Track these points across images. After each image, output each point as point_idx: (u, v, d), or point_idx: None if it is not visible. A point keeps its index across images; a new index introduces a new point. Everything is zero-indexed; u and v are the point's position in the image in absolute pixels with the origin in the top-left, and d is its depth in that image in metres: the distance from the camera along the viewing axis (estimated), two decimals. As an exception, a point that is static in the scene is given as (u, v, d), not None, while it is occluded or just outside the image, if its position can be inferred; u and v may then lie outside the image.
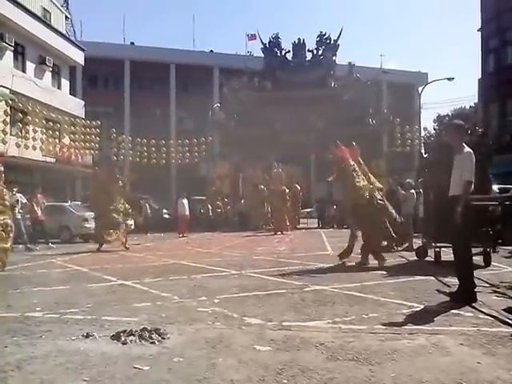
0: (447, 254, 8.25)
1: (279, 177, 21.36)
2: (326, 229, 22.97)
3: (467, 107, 47.09)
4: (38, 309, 5.52)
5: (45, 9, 28.24)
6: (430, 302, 5.51)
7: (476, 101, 37.23)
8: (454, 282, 6.04)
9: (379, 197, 9.40)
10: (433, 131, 51.78)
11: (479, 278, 6.62)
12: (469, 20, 67.53)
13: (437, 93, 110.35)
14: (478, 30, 33.00)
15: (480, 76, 32.89)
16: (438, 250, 9.05)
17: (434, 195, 9.53)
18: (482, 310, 5.07)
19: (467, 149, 5.67)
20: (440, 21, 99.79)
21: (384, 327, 4.46)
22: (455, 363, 3.48)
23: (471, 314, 4.92)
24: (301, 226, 24.53)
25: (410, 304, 5.45)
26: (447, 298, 5.63)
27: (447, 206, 5.71)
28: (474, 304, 5.27)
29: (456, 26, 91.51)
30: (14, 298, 6.32)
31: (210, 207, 24.36)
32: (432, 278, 7.27)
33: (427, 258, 9.69)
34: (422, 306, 5.34)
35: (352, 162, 9.45)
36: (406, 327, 4.46)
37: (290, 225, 21.27)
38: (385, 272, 8.06)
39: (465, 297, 5.40)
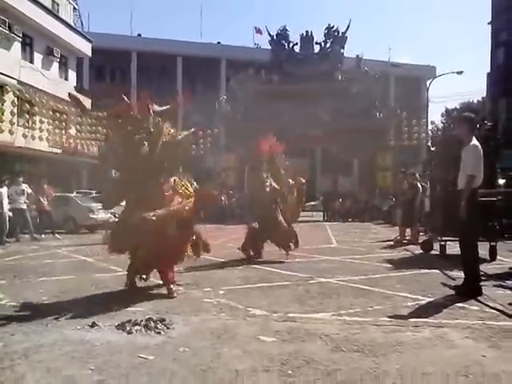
0: (453, 248, 8.23)
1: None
2: (330, 222, 22.95)
3: (475, 101, 46.64)
4: (44, 298, 5.56)
5: (53, 0, 28.17)
6: (435, 295, 5.50)
7: (484, 95, 36.96)
8: (459, 275, 6.03)
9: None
10: (440, 125, 51.36)
11: (485, 272, 6.60)
12: (480, 13, 66.79)
13: (445, 86, 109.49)
14: (489, 23, 32.73)
15: (489, 70, 32.65)
16: (444, 243, 9.02)
17: (440, 189, 9.48)
18: (488, 303, 5.06)
19: (473, 142, 5.61)
20: (452, 14, 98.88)
21: (389, 319, 4.46)
22: (460, 356, 3.48)
23: (476, 308, 4.91)
24: (306, 218, 24.47)
25: (415, 297, 5.45)
26: (452, 292, 5.61)
27: (454, 200, 5.68)
28: (479, 297, 5.26)
29: (467, 19, 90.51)
30: (20, 287, 6.35)
31: (224, 198, 24.21)
32: (437, 271, 7.25)
33: (433, 252, 9.66)
34: (427, 299, 5.33)
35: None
36: (410, 320, 4.46)
37: (292, 217, 21.12)
38: (390, 265, 8.05)
39: (470, 290, 5.39)
